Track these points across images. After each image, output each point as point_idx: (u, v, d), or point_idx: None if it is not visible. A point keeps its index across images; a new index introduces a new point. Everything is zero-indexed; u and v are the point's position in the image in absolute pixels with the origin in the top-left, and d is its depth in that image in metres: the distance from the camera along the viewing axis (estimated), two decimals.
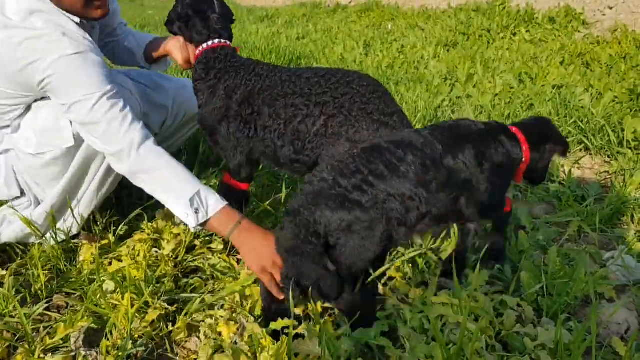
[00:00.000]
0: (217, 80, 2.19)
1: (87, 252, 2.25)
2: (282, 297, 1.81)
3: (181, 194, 1.93)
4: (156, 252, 2.25)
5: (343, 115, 2.00)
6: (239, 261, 2.25)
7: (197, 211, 1.92)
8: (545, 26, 7.68)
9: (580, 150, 3.59)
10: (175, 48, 2.45)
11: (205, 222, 1.95)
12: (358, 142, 1.95)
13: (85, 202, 2.32)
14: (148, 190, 2.04)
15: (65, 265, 2.24)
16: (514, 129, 2.02)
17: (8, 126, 2.25)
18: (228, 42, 2.30)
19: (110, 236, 2.36)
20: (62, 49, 1.93)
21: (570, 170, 3.03)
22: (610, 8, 7.91)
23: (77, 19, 2.10)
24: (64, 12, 2.06)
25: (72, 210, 2.28)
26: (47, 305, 1.94)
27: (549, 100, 4.17)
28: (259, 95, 2.11)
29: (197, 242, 2.34)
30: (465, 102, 4.47)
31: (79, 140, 2.16)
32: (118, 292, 1.95)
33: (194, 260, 2.27)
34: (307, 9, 15.74)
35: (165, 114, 2.78)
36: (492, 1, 9.43)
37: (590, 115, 3.79)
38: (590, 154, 3.54)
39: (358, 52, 6.88)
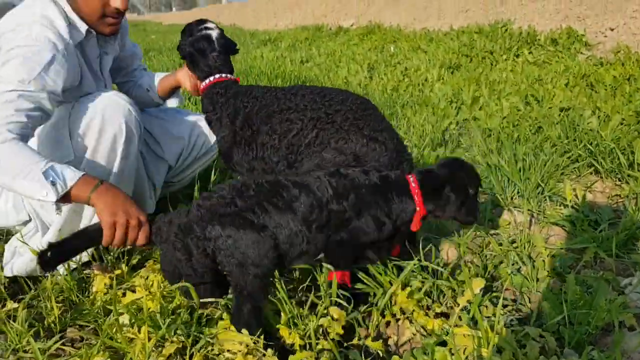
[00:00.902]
0: (221, 111, 2.28)
1: (100, 283, 2.22)
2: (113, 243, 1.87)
3: (34, 172, 1.83)
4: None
5: (334, 129, 2.06)
6: None
7: (53, 184, 1.83)
8: (548, 48, 7.73)
9: (591, 173, 3.57)
10: (185, 77, 2.57)
11: (66, 193, 1.86)
12: (342, 152, 2.03)
13: None
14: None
15: (77, 297, 2.22)
16: (409, 179, 2.02)
17: None
18: (229, 76, 2.41)
19: (123, 266, 2.34)
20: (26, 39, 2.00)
21: (584, 195, 3.02)
22: (612, 30, 7.97)
23: (85, 27, 2.20)
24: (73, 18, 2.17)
25: None
26: (61, 339, 1.91)
27: (557, 123, 4.17)
28: (257, 114, 2.19)
29: None
30: (473, 125, 4.47)
31: (77, 157, 2.16)
32: (134, 325, 1.92)
33: None
34: (309, 32, 15.90)
35: (182, 146, 2.79)
36: (494, 23, 9.53)
37: (600, 138, 3.79)
38: (601, 177, 3.52)
39: (362, 76, 6.91)
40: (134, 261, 2.39)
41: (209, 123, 2.40)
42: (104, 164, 2.19)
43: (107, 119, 2.15)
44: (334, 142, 2.03)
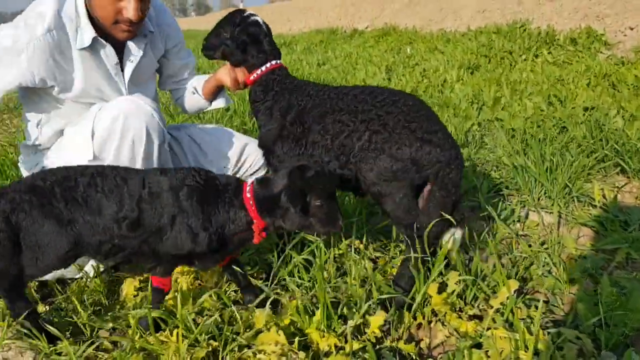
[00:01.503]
0: (273, 102, 2.24)
1: (129, 286, 2.23)
2: None
3: None
4: (200, 284, 2.23)
5: (387, 132, 2.01)
6: (277, 294, 2.21)
7: None
8: (567, 47, 7.65)
9: (617, 173, 3.52)
10: (224, 74, 2.55)
11: None
12: (399, 159, 1.98)
13: None
14: None
15: (107, 300, 2.22)
16: (245, 188, 1.93)
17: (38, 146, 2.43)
18: (281, 63, 2.35)
19: None
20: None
21: (615, 196, 2.97)
22: (632, 29, 7.87)
23: (91, 35, 2.27)
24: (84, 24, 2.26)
25: None
26: (93, 342, 1.91)
27: (581, 123, 4.12)
28: (309, 113, 2.15)
29: None
30: (497, 126, 4.43)
31: (99, 157, 2.22)
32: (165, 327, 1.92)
33: (236, 291, 2.24)
34: (323, 35, 15.91)
35: (231, 164, 2.83)
36: (512, 23, 9.45)
37: (626, 138, 3.73)
38: (628, 177, 3.47)
39: (380, 77, 6.89)
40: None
41: (256, 112, 2.34)
42: (127, 164, 2.22)
43: (129, 122, 2.20)
44: (388, 147, 2.00)
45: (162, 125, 2.32)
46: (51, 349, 1.88)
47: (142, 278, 2.27)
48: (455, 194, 2.08)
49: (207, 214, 1.87)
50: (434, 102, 5.47)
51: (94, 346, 1.85)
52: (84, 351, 1.83)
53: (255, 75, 2.31)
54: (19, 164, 2.60)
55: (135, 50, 2.49)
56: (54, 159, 2.11)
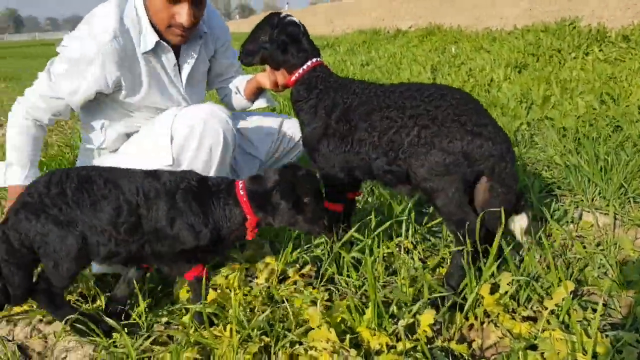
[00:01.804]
0: (317, 100, 2.24)
1: (182, 281, 2.27)
2: None
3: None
4: (250, 281, 2.26)
5: (436, 126, 2.00)
6: (331, 295, 2.22)
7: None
8: (620, 45, 7.42)
9: None
10: (263, 77, 2.64)
11: None
12: (451, 152, 1.96)
13: None
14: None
15: (161, 293, 2.28)
16: (237, 185, 2.01)
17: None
18: (322, 60, 2.35)
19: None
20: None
21: None
22: None
23: (155, 39, 2.36)
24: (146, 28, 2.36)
25: None
26: (149, 336, 1.96)
27: (637, 122, 3.99)
28: (356, 110, 2.15)
29: (289, 271, 2.33)
30: (547, 125, 4.34)
31: (177, 162, 2.32)
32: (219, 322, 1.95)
33: (286, 289, 2.25)
34: (366, 35, 15.90)
35: (272, 140, 2.98)
36: (560, 21, 9.24)
37: None
38: None
39: (425, 77, 6.83)
40: (214, 261, 2.44)
41: (299, 111, 2.34)
42: (202, 169, 2.32)
43: (207, 129, 2.31)
44: (438, 141, 1.99)
45: (234, 131, 2.42)
46: (109, 342, 1.94)
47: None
48: (515, 187, 2.05)
49: (206, 212, 1.96)
50: (481, 101, 5.37)
51: (150, 339, 1.90)
52: (140, 344, 1.88)
53: (297, 74, 2.31)
54: (77, 165, 2.70)
55: (191, 53, 2.57)
56: (130, 163, 2.19)
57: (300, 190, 1.97)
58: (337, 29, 22.81)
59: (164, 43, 2.41)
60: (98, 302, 2.24)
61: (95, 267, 2.39)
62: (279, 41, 2.30)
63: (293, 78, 2.30)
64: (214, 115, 2.32)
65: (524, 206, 2.11)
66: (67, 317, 1.93)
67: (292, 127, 2.98)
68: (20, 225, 1.83)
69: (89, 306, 2.22)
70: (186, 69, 2.56)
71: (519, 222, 2.09)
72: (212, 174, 2.35)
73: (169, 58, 2.46)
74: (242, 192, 1.99)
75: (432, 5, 16.64)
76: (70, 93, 2.32)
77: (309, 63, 2.30)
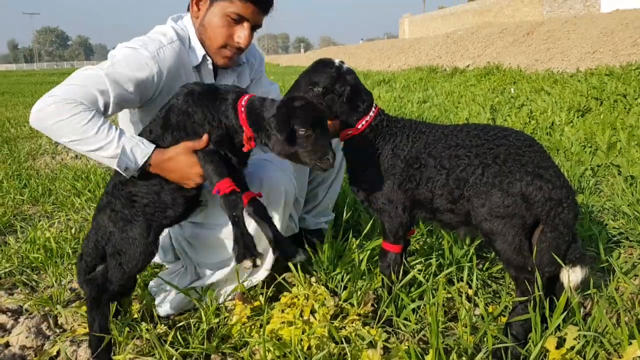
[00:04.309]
0: (384, 142, 2.22)
1: (240, 313, 2.29)
2: None
3: (110, 151, 1.99)
4: (309, 317, 2.24)
5: (498, 165, 2.00)
6: (389, 334, 2.18)
7: (126, 169, 2.02)
8: None
9: None
10: None
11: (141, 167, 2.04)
12: (510, 193, 1.95)
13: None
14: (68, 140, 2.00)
15: (217, 324, 2.29)
16: (241, 99, 2.07)
17: None
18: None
19: (261, 298, 2.40)
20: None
21: None
22: None
23: (202, 53, 2.41)
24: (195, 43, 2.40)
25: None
26: None
27: None
28: (425, 149, 2.17)
29: (347, 308, 2.30)
30: (614, 172, 4.20)
31: None
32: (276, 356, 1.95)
33: (343, 325, 2.23)
34: (423, 73, 15.92)
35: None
36: (625, 65, 9.01)
37: None
38: None
39: (485, 117, 6.76)
40: (270, 293, 2.45)
41: (357, 155, 2.30)
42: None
43: (272, 186, 2.38)
44: (499, 181, 1.98)
45: (296, 187, 2.50)
46: None
47: (252, 306, 2.32)
48: (568, 236, 1.99)
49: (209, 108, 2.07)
50: (543, 144, 5.27)
51: None
52: None
53: (364, 123, 2.25)
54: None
55: (227, 77, 2.60)
56: None
57: (295, 122, 1.93)
58: (393, 65, 22.97)
59: (208, 61, 2.45)
60: (158, 329, 2.27)
61: (163, 310, 2.42)
62: (342, 93, 2.21)
63: (360, 126, 2.25)
64: (280, 173, 2.37)
65: (580, 258, 2.04)
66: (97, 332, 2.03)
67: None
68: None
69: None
70: None
71: (572, 275, 2.01)
72: (278, 224, 2.35)
73: (208, 79, 2.50)
74: (243, 103, 2.06)
75: (491, 45, 16.56)
76: (126, 81, 2.17)
77: (373, 109, 2.27)
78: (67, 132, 1.95)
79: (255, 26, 2.40)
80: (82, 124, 1.95)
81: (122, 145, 1.99)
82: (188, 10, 2.47)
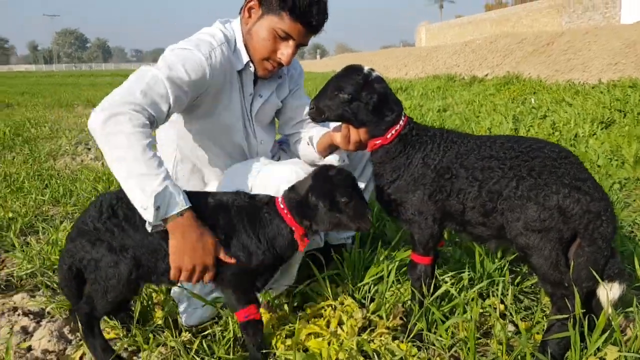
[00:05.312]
0: (414, 151, 2.16)
1: (266, 322, 2.24)
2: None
3: (149, 185, 1.84)
4: (336, 329, 2.19)
5: (533, 179, 1.93)
6: (419, 349, 2.12)
7: (157, 208, 1.84)
8: None
9: None
10: (338, 135, 2.38)
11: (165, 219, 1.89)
12: (546, 206, 1.88)
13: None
14: (113, 161, 1.90)
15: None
16: (277, 200, 2.06)
17: None
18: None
19: (286, 307, 2.35)
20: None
21: None
22: None
23: (246, 58, 2.39)
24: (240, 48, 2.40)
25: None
26: None
27: None
28: (457, 159, 2.10)
29: (375, 320, 2.25)
30: None
31: None
32: None
33: (372, 337, 2.17)
34: (441, 81, 15.85)
35: None
36: None
37: None
38: None
39: (507, 127, 6.68)
40: (294, 303, 2.40)
41: (385, 165, 2.21)
42: None
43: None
44: (534, 195, 1.91)
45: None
46: None
47: (278, 315, 2.27)
48: (607, 250, 1.92)
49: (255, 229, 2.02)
50: None
51: None
52: None
53: (393, 132, 2.19)
54: None
55: (266, 88, 2.57)
56: None
57: (335, 190, 1.99)
58: (410, 73, 22.90)
59: (251, 68, 2.42)
60: (183, 336, 2.23)
61: (186, 320, 2.37)
62: (370, 102, 2.15)
63: (389, 136, 2.20)
64: (298, 178, 2.21)
65: (618, 274, 1.96)
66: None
67: None
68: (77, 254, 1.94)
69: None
70: (258, 101, 2.55)
71: (611, 292, 1.93)
72: None
73: (248, 85, 2.48)
74: (282, 206, 2.03)
75: (510, 54, 16.46)
76: (183, 83, 2.13)
77: (403, 118, 2.21)
78: (124, 147, 1.87)
79: (300, 44, 2.37)
80: (141, 146, 1.88)
81: (165, 184, 1.87)
82: (240, 13, 2.46)
